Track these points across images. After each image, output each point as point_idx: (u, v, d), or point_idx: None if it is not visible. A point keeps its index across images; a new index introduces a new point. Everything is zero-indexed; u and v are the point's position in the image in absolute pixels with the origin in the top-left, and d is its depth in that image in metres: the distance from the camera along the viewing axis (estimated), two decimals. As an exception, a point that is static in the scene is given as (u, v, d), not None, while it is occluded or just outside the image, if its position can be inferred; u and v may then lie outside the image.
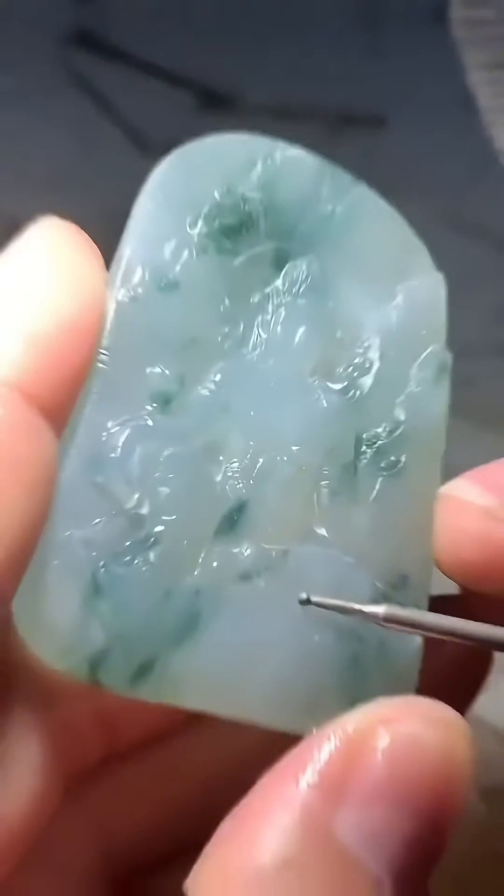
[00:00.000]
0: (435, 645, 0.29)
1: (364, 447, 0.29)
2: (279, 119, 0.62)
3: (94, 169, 0.59)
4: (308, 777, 0.24)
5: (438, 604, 0.29)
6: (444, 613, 0.27)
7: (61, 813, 0.31)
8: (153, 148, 0.29)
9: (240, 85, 0.64)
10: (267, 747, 0.26)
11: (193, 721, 0.33)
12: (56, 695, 0.30)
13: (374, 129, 0.61)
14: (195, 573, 0.27)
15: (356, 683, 0.28)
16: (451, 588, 0.30)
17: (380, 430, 0.30)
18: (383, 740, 0.24)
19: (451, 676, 0.32)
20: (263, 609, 0.27)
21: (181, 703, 0.27)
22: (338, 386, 0.30)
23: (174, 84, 0.63)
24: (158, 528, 0.27)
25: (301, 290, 0.30)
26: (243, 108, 0.64)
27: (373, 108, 0.64)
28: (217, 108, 0.64)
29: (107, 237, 0.29)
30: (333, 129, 0.62)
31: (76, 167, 0.60)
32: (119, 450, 0.27)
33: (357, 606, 0.27)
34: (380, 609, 0.27)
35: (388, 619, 0.27)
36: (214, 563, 0.28)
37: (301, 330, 0.30)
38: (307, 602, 0.27)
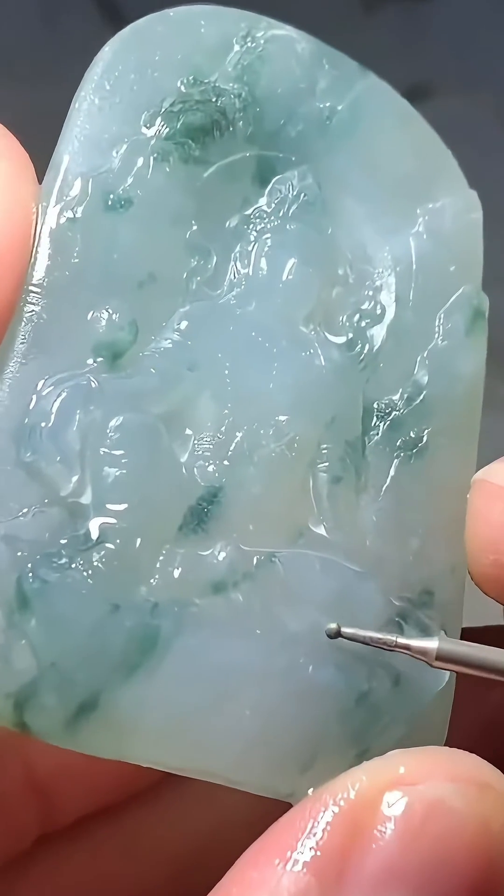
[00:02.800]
0: (476, 682, 0.27)
1: (375, 419, 0.28)
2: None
3: (54, 47, 0.58)
4: (299, 856, 0.23)
5: (474, 636, 0.27)
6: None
7: None
8: (128, 21, 0.28)
9: None
10: (250, 816, 0.25)
11: (155, 784, 0.32)
12: None
13: (414, 2, 0.59)
14: (152, 582, 0.26)
15: (364, 731, 0.26)
16: (491, 609, 0.29)
17: (395, 396, 0.28)
18: (398, 807, 0.23)
19: (494, 723, 0.30)
20: (241, 631, 0.26)
21: (132, 756, 0.26)
22: (340, 339, 0.28)
23: None
24: (104, 522, 0.26)
25: (292, 211, 0.28)
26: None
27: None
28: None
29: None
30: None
31: (32, 44, 0.58)
32: (53, 417, 0.26)
33: (402, 640, 0.26)
34: (431, 643, 0.26)
35: (444, 658, 0.26)
36: (177, 570, 0.26)
37: (292, 263, 0.28)
38: (337, 635, 0.26)
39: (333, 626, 0.26)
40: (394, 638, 0.26)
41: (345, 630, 0.26)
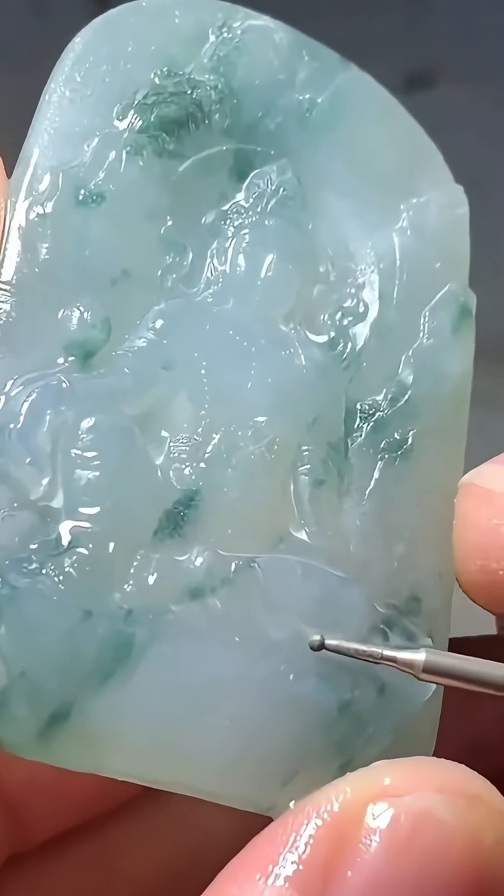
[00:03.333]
0: (464, 696, 0.26)
1: (358, 420, 0.28)
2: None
3: (43, 36, 0.57)
4: (281, 870, 0.22)
5: (462, 646, 0.27)
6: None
7: None
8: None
9: None
10: (231, 831, 0.25)
11: (132, 799, 0.31)
12: None
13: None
14: (126, 588, 0.26)
15: (348, 741, 0.26)
16: (479, 617, 0.28)
17: (379, 397, 0.28)
18: (383, 819, 0.22)
19: (484, 740, 0.30)
20: (220, 638, 0.26)
21: (107, 769, 0.25)
22: (322, 338, 0.28)
23: None
24: (76, 526, 0.25)
25: (270, 206, 0.28)
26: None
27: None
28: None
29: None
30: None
31: (21, 33, 0.58)
32: (22, 419, 0.26)
33: (388, 652, 0.25)
34: (418, 656, 0.25)
35: (431, 671, 0.25)
36: (152, 576, 0.26)
37: (270, 260, 0.28)
38: (321, 647, 0.26)
39: (317, 637, 0.26)
40: (379, 651, 0.25)
41: (329, 642, 0.25)
